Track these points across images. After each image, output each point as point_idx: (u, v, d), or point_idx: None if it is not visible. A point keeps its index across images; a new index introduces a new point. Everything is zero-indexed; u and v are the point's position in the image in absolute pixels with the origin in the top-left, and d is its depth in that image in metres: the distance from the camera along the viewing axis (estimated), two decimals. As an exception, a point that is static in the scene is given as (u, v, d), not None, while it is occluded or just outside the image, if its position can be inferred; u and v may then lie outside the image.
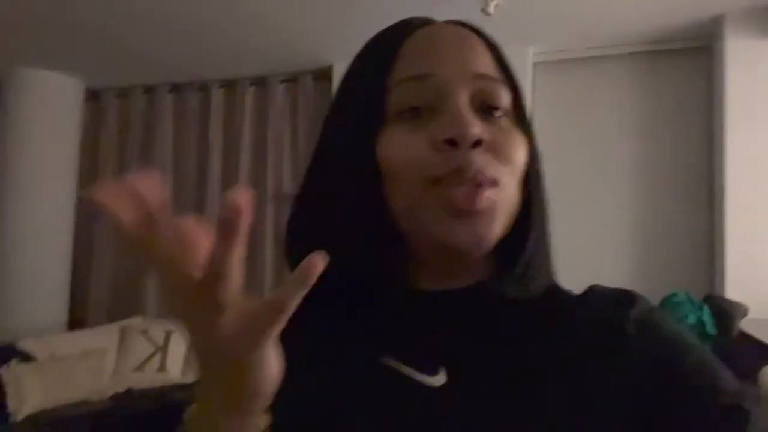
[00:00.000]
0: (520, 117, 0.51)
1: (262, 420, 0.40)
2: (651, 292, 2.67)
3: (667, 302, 2.59)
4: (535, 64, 3.40)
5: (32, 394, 2.83)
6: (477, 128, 0.46)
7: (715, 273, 2.92)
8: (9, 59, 3.72)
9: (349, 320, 0.53)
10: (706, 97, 3.12)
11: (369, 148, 0.49)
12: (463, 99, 0.48)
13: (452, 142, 0.46)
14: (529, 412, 0.44)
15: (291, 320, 0.36)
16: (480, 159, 0.46)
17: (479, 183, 0.46)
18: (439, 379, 0.48)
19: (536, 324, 0.50)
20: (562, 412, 0.44)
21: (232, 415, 0.38)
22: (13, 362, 2.92)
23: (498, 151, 0.48)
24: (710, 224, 3.03)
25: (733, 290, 2.71)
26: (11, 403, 2.77)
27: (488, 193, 0.46)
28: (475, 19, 0.55)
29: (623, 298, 0.50)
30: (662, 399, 0.43)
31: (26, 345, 3.08)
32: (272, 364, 0.37)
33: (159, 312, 3.86)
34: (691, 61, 3.18)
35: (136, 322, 3.63)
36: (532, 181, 0.51)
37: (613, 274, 3.09)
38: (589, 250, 3.10)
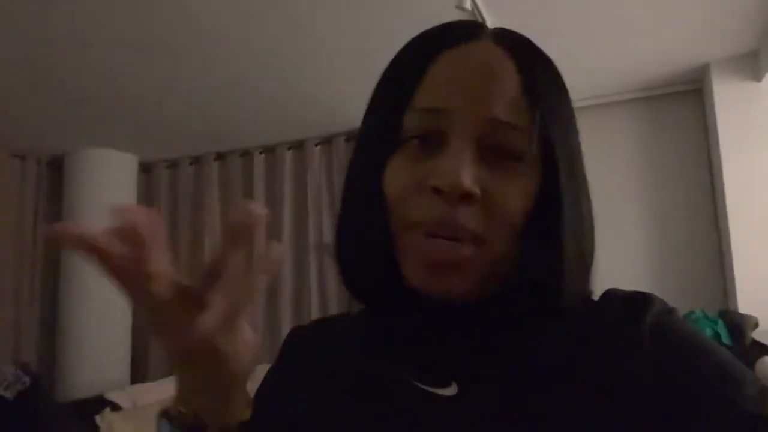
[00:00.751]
0: (546, 152, 0.47)
1: (245, 412, 0.43)
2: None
3: (686, 319, 2.84)
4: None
5: (123, 439, 3.09)
6: (468, 181, 0.43)
7: (728, 291, 3.16)
8: (71, 141, 4.05)
9: (365, 336, 0.55)
10: (703, 132, 3.39)
11: (378, 174, 0.49)
12: (465, 143, 0.45)
13: (439, 191, 0.44)
14: (540, 422, 0.43)
15: (315, 340, 0.46)
16: (464, 214, 0.44)
17: (457, 239, 0.44)
18: (451, 391, 0.47)
19: (549, 332, 0.48)
20: (573, 422, 0.43)
21: (214, 395, 0.42)
22: (106, 411, 3.20)
23: (490, 203, 0.45)
24: (720, 249, 3.28)
25: (744, 306, 2.94)
26: (107, 449, 3.04)
27: (466, 250, 0.44)
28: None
29: (638, 302, 0.48)
30: (680, 406, 0.41)
31: (113, 396, 3.37)
32: (245, 340, 0.40)
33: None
34: (685, 102, 3.47)
35: (198, 373, 3.89)
36: (549, 217, 0.47)
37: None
38: (608, 279, 3.32)
